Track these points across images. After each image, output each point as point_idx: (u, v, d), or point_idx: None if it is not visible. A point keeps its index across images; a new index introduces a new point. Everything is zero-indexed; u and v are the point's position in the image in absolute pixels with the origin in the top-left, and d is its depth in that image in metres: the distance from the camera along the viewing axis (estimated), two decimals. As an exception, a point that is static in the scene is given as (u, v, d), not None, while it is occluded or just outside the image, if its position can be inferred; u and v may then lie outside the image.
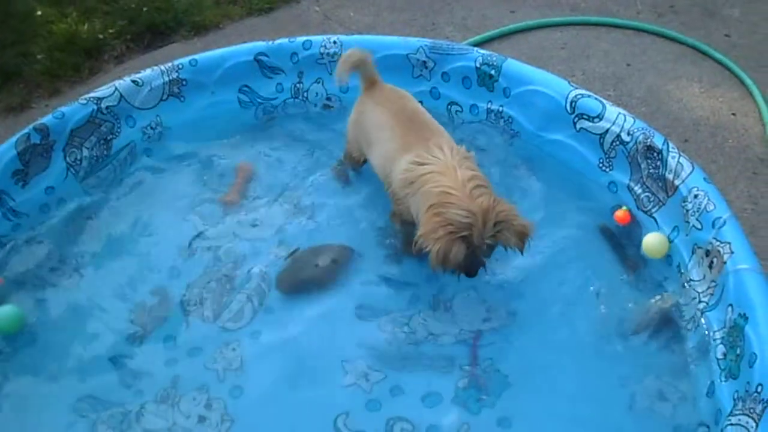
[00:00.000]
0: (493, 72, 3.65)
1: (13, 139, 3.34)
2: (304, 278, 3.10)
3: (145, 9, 5.03)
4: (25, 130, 3.37)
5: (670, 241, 3.03)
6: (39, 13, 5.06)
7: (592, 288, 3.03)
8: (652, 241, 3.03)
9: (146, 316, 2.99)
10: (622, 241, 3.19)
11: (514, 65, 3.65)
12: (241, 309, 2.99)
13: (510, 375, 2.75)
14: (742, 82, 4.31)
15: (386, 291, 3.07)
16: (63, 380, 2.81)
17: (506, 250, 2.82)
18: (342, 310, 2.99)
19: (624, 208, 3.11)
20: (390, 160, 3.00)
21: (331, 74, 3.80)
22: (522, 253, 2.81)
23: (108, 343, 2.91)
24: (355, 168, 3.52)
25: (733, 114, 4.11)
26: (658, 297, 2.96)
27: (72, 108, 3.50)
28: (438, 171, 2.77)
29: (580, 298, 3.00)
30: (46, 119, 3.43)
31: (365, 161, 3.35)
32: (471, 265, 2.76)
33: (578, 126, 3.40)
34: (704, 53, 4.57)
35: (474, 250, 2.70)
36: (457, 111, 3.78)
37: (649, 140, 3.14)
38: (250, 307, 3.00)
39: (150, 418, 2.66)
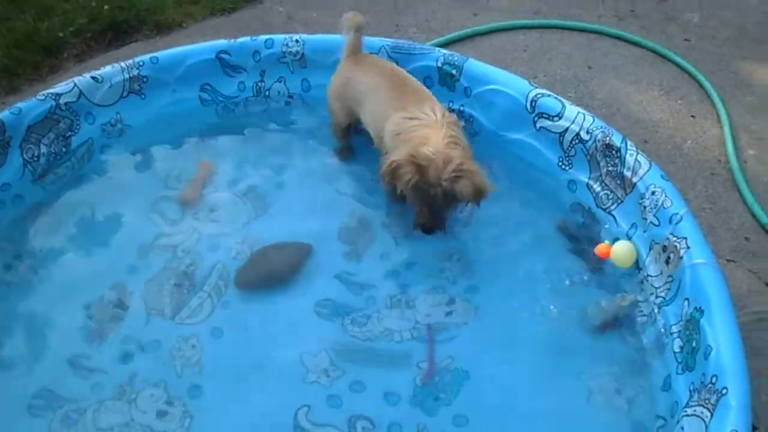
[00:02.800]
0: (454, 71, 3.67)
1: (-31, 134, 3.27)
2: (263, 275, 3.08)
3: (106, 7, 4.98)
4: (-19, 127, 3.30)
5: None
6: (-4, 11, 4.99)
7: (551, 285, 3.05)
8: (621, 250, 3.03)
9: (104, 314, 2.94)
10: (581, 240, 3.22)
11: (475, 65, 3.67)
12: (200, 305, 2.96)
13: (468, 371, 2.75)
14: (701, 86, 4.38)
15: (346, 288, 3.05)
16: (17, 378, 2.75)
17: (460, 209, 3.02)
18: (301, 307, 2.97)
19: (606, 242, 3.08)
20: (385, 118, 3.15)
21: (293, 73, 3.83)
22: (477, 204, 2.95)
23: (65, 340, 2.86)
24: (345, 139, 3.62)
25: (692, 116, 4.18)
26: (619, 295, 2.98)
27: (29, 104, 3.43)
28: (425, 125, 3.00)
29: (540, 295, 3.02)
30: (2, 115, 3.36)
31: (350, 126, 3.51)
32: (428, 213, 2.95)
33: (538, 125, 3.43)
34: (664, 57, 4.64)
35: (430, 192, 2.86)
36: (418, 110, 3.79)
37: (607, 138, 3.17)
38: (209, 304, 2.97)
39: (107, 414, 2.62)
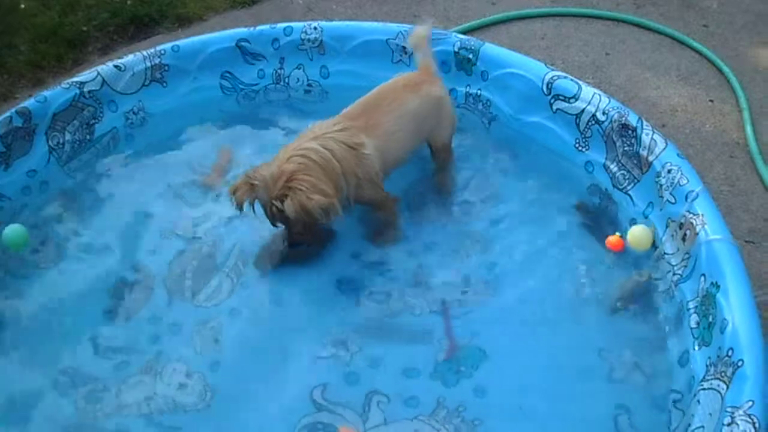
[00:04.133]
0: (471, 56, 3.70)
1: (-5, 122, 3.35)
2: (283, 256, 3.12)
3: (128, 2, 5.06)
4: (7, 113, 3.37)
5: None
6: (22, 6, 5.08)
7: (568, 264, 3.07)
8: (637, 234, 3.03)
9: (127, 295, 3.01)
10: (598, 220, 3.23)
11: (491, 49, 3.70)
12: (220, 286, 3.01)
13: (487, 347, 2.78)
14: (720, 70, 4.39)
15: (365, 268, 3.10)
16: (42, 357, 2.82)
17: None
18: (321, 286, 3.03)
19: (617, 234, 3.08)
20: None
21: (312, 60, 3.87)
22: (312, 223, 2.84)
23: (89, 321, 2.92)
24: None
25: (711, 100, 4.18)
26: (634, 272, 3.00)
27: (54, 92, 3.51)
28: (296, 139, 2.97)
29: (558, 273, 3.05)
30: (28, 103, 3.45)
31: None
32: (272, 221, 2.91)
33: (555, 107, 3.45)
34: (682, 42, 4.64)
35: (267, 210, 2.85)
36: (436, 95, 3.82)
37: (623, 118, 3.19)
38: (229, 284, 3.02)
39: (131, 392, 2.67)
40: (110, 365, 2.77)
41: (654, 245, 3.02)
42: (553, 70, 3.48)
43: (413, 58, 3.52)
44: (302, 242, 3.01)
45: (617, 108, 3.24)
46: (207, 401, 2.64)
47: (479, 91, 3.72)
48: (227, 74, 3.86)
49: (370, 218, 3.23)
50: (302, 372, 2.73)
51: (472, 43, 3.71)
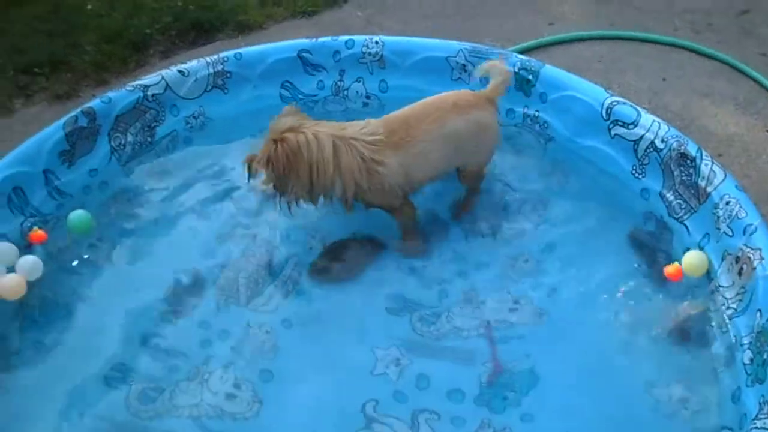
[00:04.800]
0: (530, 77, 3.70)
1: (62, 120, 3.43)
2: (337, 267, 3.17)
3: (191, 7, 5.15)
4: (73, 113, 3.46)
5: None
6: (89, 6, 5.20)
7: (620, 291, 3.05)
8: (692, 261, 2.99)
9: (180, 297, 3.07)
10: (652, 248, 3.21)
11: (551, 71, 3.70)
12: (273, 294, 3.06)
13: (534, 372, 2.78)
14: (778, 101, 4.33)
15: (415, 284, 3.12)
16: (94, 350, 2.89)
17: None
18: (372, 301, 3.05)
19: (676, 264, 3.02)
20: None
21: (371, 74, 3.90)
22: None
23: (141, 320, 2.99)
24: None
25: (768, 131, 4.13)
26: (686, 303, 2.98)
27: (119, 94, 3.60)
28: None
29: (608, 301, 3.03)
30: (94, 103, 3.54)
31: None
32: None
33: (613, 132, 3.44)
34: (740, 71, 4.58)
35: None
36: (493, 114, 3.83)
37: (682, 147, 3.17)
38: (283, 293, 3.07)
39: (180, 395, 2.73)
40: (163, 367, 2.83)
41: (708, 273, 3.00)
42: (612, 95, 3.48)
43: (472, 78, 3.56)
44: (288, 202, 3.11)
45: (676, 137, 3.23)
46: (255, 410, 2.68)
47: (537, 113, 3.72)
48: (287, 84, 3.91)
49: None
50: (353, 386, 2.76)
51: (533, 64, 3.72)
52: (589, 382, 2.76)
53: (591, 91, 3.57)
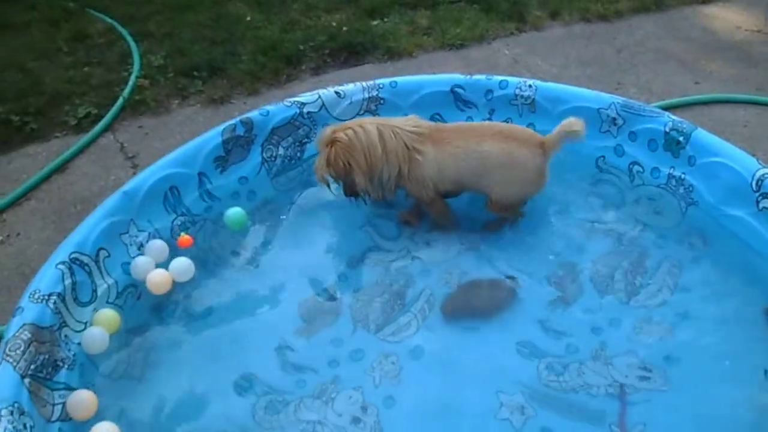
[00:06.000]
0: (681, 138, 3.62)
1: (221, 127, 3.58)
2: (470, 306, 3.16)
3: (345, 29, 5.29)
4: (233, 121, 3.61)
5: None
6: (248, 18, 5.41)
7: (754, 369, 2.90)
8: None
9: (314, 314, 3.13)
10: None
11: (703, 135, 3.59)
12: (407, 324, 3.07)
13: (660, 444, 2.69)
14: None
15: (546, 333, 3.07)
16: (227, 355, 2.99)
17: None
18: (501, 344, 3.02)
19: None
20: None
21: (521, 117, 3.90)
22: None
23: (276, 332, 3.06)
24: None
25: None
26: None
27: (277, 108, 3.72)
28: None
29: (742, 378, 2.90)
30: (252, 114, 3.67)
31: None
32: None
33: (761, 205, 3.31)
34: None
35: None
36: (638, 171, 3.75)
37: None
38: (414, 325, 3.07)
39: (306, 411, 2.77)
40: (291, 380, 2.88)
41: None
42: (765, 167, 3.36)
43: (620, 130, 3.56)
44: (353, 195, 3.38)
45: (832, 217, 3.09)
46: (376, 435, 2.71)
47: (683, 175, 3.62)
48: (437, 116, 3.93)
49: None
50: (475, 427, 2.74)
51: (685, 126, 3.63)
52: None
53: (743, 161, 3.44)
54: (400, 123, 3.33)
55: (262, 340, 3.03)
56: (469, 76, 3.94)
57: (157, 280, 3.12)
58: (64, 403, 2.67)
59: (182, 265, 3.18)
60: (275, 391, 2.84)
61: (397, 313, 3.12)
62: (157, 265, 3.19)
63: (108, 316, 2.98)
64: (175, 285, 3.20)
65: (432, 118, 3.91)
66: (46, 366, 2.68)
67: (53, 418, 2.61)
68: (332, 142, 3.24)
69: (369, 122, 3.29)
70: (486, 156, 3.29)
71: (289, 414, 2.76)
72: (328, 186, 3.42)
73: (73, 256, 2.98)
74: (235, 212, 3.43)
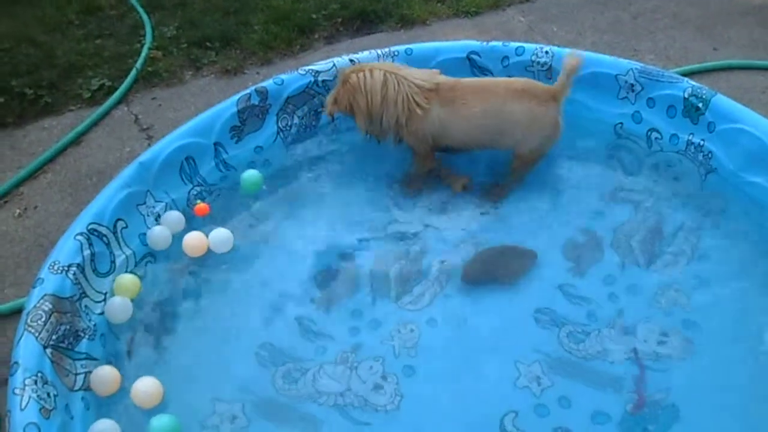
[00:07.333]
0: (700, 105, 3.57)
1: (236, 97, 3.57)
2: (487, 273, 3.15)
3: (359, -4, 5.25)
4: (247, 91, 3.59)
5: None
6: (260, -12, 5.37)
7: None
8: None
9: (331, 284, 3.13)
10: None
11: (723, 101, 3.54)
12: (423, 293, 3.07)
13: (679, 409, 2.67)
14: None
15: (566, 301, 3.06)
16: (249, 328, 2.99)
17: None
18: (520, 311, 3.01)
19: None
20: None
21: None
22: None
23: (296, 301, 3.07)
24: None
25: None
26: None
27: (291, 77, 3.70)
28: None
29: (762, 345, 2.88)
30: (267, 83, 3.65)
31: None
32: None
33: (782, 172, 3.29)
34: None
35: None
36: (656, 138, 3.71)
37: None
38: (432, 293, 3.07)
39: (327, 379, 2.79)
40: (311, 347, 2.89)
41: None
42: (786, 134, 3.32)
43: (638, 96, 3.51)
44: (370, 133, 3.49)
45: None
46: (396, 404, 2.70)
47: (702, 142, 3.59)
48: (452, 83, 3.90)
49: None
50: (493, 395, 2.74)
51: (704, 92, 3.58)
52: (736, 426, 2.64)
53: (762, 126, 3.40)
54: (409, 74, 3.36)
55: (280, 310, 3.04)
56: (485, 43, 3.90)
57: (194, 243, 3.17)
58: (86, 373, 2.69)
59: (221, 236, 3.21)
60: (294, 360, 2.85)
61: (413, 282, 3.12)
62: (174, 236, 3.22)
63: (127, 280, 3.01)
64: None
65: (448, 85, 3.89)
66: (67, 336, 2.70)
67: (76, 387, 2.63)
68: (345, 81, 3.37)
69: (380, 68, 3.35)
70: (507, 117, 3.33)
71: (307, 383, 2.77)
72: (332, 119, 3.60)
73: (91, 227, 2.99)
74: (251, 174, 3.46)
